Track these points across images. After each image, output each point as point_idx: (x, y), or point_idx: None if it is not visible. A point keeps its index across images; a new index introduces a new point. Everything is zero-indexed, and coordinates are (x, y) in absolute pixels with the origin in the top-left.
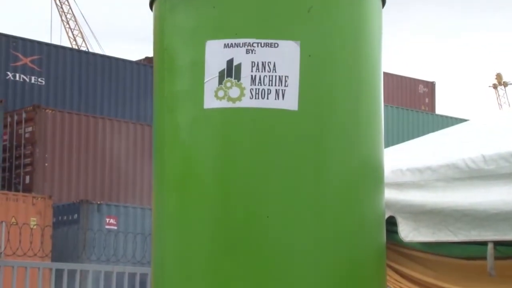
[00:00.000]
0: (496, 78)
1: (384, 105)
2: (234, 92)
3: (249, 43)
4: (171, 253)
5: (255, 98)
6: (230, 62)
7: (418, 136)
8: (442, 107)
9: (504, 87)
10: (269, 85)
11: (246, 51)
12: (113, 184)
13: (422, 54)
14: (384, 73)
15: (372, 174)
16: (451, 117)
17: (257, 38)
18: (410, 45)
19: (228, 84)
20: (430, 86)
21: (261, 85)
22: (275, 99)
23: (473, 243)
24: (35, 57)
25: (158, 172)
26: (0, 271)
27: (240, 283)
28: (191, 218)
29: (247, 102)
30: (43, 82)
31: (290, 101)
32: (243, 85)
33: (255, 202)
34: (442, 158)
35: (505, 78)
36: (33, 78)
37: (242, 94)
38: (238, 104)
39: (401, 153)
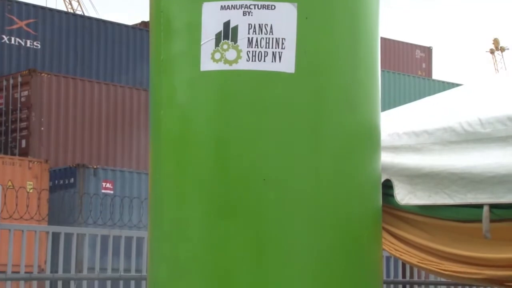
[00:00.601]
0: (493, 43)
1: (381, 70)
2: (231, 54)
3: (246, 5)
4: (168, 214)
5: (252, 61)
6: (226, 24)
7: (414, 101)
8: (439, 73)
9: (501, 52)
10: (266, 48)
11: (243, 13)
12: (109, 149)
13: (419, 18)
14: (381, 38)
15: (369, 137)
16: (448, 82)
17: (254, 0)
18: (407, 10)
19: (225, 47)
20: (427, 51)
21: (258, 47)
22: (272, 61)
23: (469, 206)
24: (31, 20)
25: (154, 134)
26: None
27: (236, 245)
28: (187, 179)
29: (243, 64)
30: (39, 45)
31: (287, 64)
32: (239, 48)
33: (251, 164)
34: (439, 122)
35: (502, 43)
36: (28, 41)
37: (238, 57)
38: (234, 67)
39: (397, 117)
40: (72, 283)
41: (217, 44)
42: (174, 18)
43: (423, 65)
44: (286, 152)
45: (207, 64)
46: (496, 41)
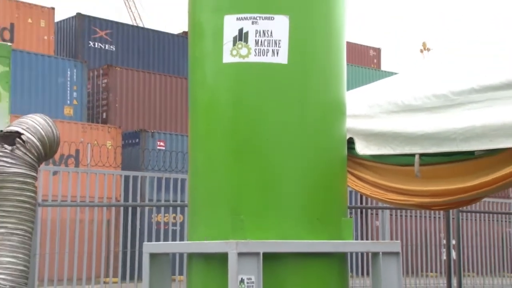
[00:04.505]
0: (422, 45)
1: (346, 63)
2: (244, 51)
3: (254, 17)
4: (201, 162)
5: (258, 55)
6: (240, 30)
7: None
8: (386, 66)
9: (427, 51)
10: (267, 46)
11: (252, 22)
12: (162, 119)
13: (371, 23)
14: (346, 41)
15: (338, 108)
16: (393, 72)
17: (259, 13)
18: (364, 17)
19: (239, 46)
20: (378, 51)
21: (262, 46)
22: (272, 56)
23: (406, 155)
24: (108, 31)
25: (192, 106)
26: (88, 176)
27: (247, 177)
28: (213, 136)
29: (252, 58)
30: (114, 48)
31: (282, 57)
32: (250, 46)
33: (257, 126)
34: (385, 97)
35: (428, 45)
36: (107, 45)
37: (249, 53)
38: (246, 60)
39: (357, 95)
40: (137, 223)
41: (234, 44)
42: (204, 27)
43: (375, 61)
44: (282, 118)
45: (227, 58)
46: (424, 44)
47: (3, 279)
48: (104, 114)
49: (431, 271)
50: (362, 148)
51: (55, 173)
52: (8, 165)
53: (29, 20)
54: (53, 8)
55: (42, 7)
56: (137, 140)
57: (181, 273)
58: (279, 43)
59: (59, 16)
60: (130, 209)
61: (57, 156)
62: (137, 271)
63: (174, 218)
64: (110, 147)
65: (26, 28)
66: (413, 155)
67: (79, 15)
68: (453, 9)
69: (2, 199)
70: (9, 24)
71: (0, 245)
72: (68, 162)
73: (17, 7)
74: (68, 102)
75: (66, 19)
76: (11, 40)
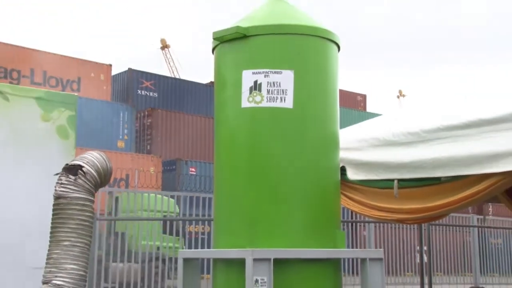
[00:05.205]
0: (399, 92)
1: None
2: (258, 98)
3: (266, 71)
4: (224, 185)
5: (269, 102)
6: (255, 82)
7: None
8: (371, 108)
9: (403, 97)
10: (276, 94)
11: (264, 75)
12: (193, 149)
13: (358, 74)
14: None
15: (333, 143)
16: (377, 113)
17: (270, 68)
18: (353, 69)
19: (255, 94)
20: (364, 96)
21: (272, 94)
22: (280, 102)
23: (387, 180)
24: (152, 82)
25: (216, 141)
26: (136, 197)
27: (261, 198)
28: (234, 166)
29: (265, 103)
30: (156, 95)
31: (288, 103)
32: (262, 94)
33: (269, 158)
34: (370, 134)
35: (404, 92)
36: (151, 93)
37: (262, 99)
38: (260, 105)
39: (348, 132)
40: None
41: (250, 93)
42: (227, 79)
43: (362, 104)
44: (288, 151)
45: (245, 103)
46: (400, 91)
47: (68, 282)
48: (148, 146)
49: (407, 271)
50: (352, 175)
51: (109, 193)
52: (72, 191)
53: (92, 74)
54: (110, 65)
55: (102, 64)
56: (174, 166)
57: (208, 272)
58: (286, 92)
59: (115, 71)
60: (168, 222)
61: (111, 180)
62: (173, 270)
63: (203, 229)
64: (152, 172)
65: (89, 80)
66: (392, 180)
67: (130, 69)
68: (424, 60)
69: (67, 218)
70: (77, 78)
71: (65, 254)
72: (120, 184)
73: (83, 65)
74: (121, 137)
75: (120, 73)
76: (78, 90)
